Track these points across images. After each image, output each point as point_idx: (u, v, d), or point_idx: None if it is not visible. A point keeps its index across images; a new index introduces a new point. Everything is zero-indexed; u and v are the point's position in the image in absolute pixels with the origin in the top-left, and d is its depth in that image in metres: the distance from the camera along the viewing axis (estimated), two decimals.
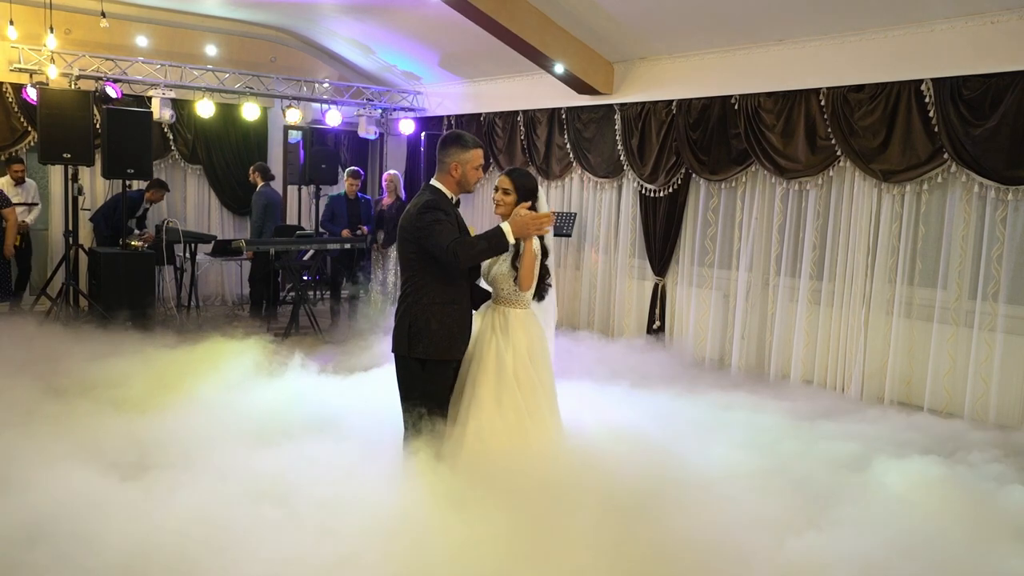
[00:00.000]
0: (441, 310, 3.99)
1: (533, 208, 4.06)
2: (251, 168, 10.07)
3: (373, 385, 5.90)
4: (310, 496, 3.89)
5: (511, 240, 3.86)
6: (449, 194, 4.09)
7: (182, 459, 4.42)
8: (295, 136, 10.44)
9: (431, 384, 4.04)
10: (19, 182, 9.27)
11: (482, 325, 4.21)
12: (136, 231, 9.43)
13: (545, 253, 4.20)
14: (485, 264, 4.19)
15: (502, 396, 4.01)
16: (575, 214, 9.33)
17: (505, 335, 4.09)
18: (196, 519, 3.66)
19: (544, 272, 4.21)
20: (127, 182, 9.03)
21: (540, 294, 4.26)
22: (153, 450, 4.59)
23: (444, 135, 4.22)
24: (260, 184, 9.86)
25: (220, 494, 3.92)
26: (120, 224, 9.13)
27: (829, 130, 6.92)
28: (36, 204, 9.40)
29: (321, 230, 9.82)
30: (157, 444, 4.68)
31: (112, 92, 9.09)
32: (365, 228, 9.44)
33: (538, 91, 9.45)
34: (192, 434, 4.85)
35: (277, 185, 11.27)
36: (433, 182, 4.12)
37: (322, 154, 10.25)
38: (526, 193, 4.12)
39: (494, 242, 3.84)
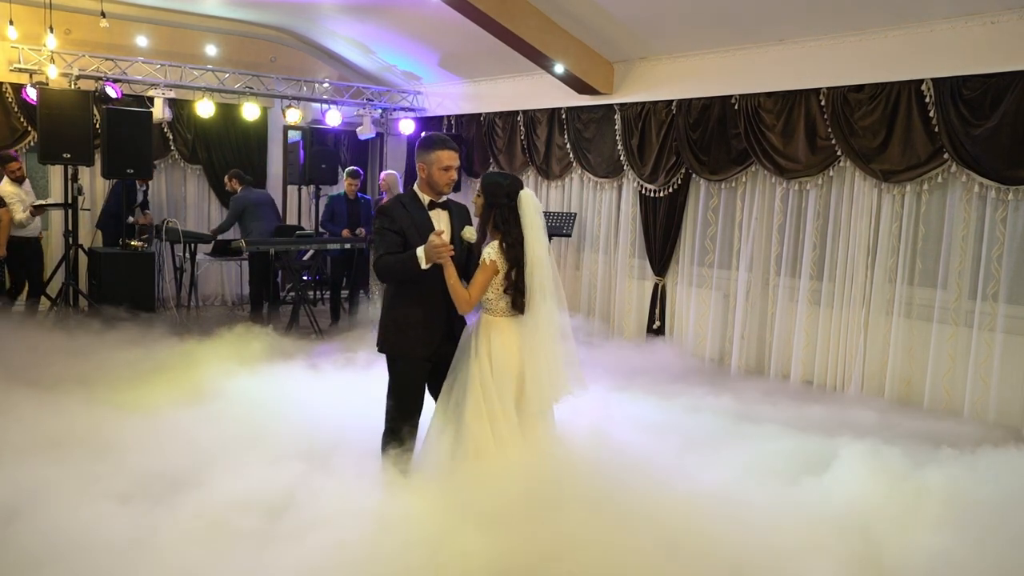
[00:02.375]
0: (400, 308, 4.08)
1: (509, 211, 3.99)
2: (226, 176, 9.82)
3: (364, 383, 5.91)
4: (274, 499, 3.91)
5: (423, 264, 3.86)
6: (424, 196, 4.10)
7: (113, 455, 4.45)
8: (295, 136, 10.44)
9: (393, 379, 4.13)
10: (20, 181, 8.77)
11: (468, 331, 4.19)
12: (139, 212, 9.39)
13: (513, 265, 3.99)
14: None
15: (465, 403, 3.98)
16: (575, 214, 9.33)
17: (476, 341, 4.05)
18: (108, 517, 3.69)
19: (517, 287, 4.00)
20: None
21: (518, 303, 4.05)
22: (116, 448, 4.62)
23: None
24: (239, 189, 9.60)
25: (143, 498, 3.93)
26: (124, 214, 9.16)
27: (829, 130, 6.92)
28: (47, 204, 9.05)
29: (321, 230, 9.82)
30: (123, 442, 4.71)
31: (112, 92, 9.09)
32: (363, 230, 9.39)
33: (538, 91, 9.45)
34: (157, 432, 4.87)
35: (277, 185, 11.30)
36: (415, 185, 4.18)
37: (322, 154, 10.25)
38: (490, 195, 4.00)
39: (408, 265, 3.89)
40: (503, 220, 3.98)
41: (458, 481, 3.82)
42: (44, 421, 4.97)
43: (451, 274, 3.92)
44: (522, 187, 4.06)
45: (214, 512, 3.75)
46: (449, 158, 4.04)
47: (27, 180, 8.93)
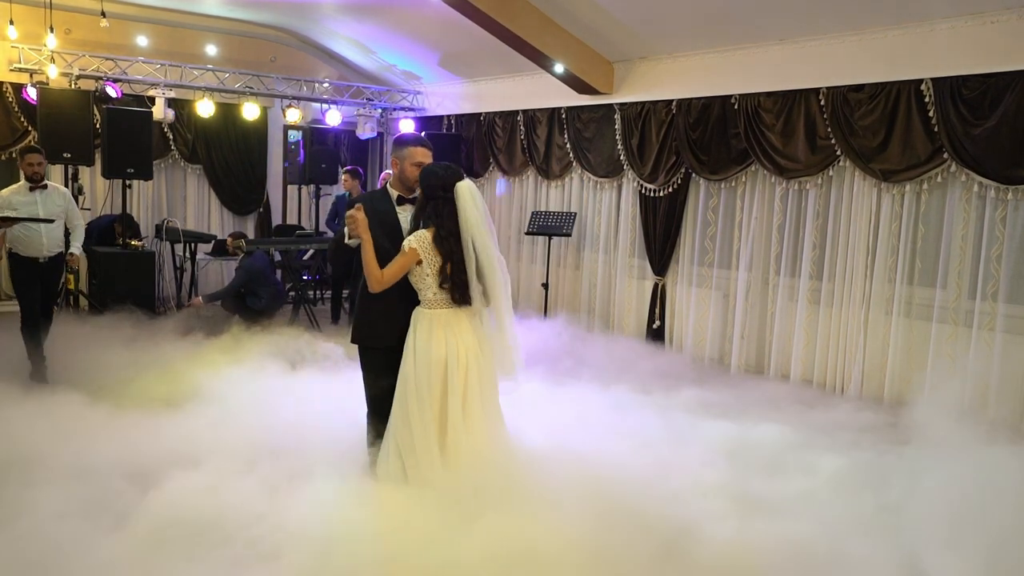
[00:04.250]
0: (363, 300, 4.16)
1: (444, 203, 3.94)
2: (230, 237, 8.97)
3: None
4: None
5: (346, 240, 4.00)
6: (393, 192, 4.19)
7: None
8: (295, 136, 10.44)
9: (364, 368, 4.24)
10: (36, 183, 6.50)
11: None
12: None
13: (448, 259, 3.94)
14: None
15: (395, 403, 4.06)
16: (575, 214, 9.33)
17: (407, 338, 4.07)
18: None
19: (453, 280, 3.96)
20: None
21: (456, 296, 4.01)
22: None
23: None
24: (244, 245, 8.78)
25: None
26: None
27: (829, 130, 6.92)
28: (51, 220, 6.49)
29: (323, 229, 9.82)
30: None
31: (112, 92, 9.09)
32: None
33: (538, 91, 9.45)
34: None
35: (277, 185, 11.30)
36: (388, 181, 4.29)
37: (322, 154, 10.26)
38: (427, 187, 3.96)
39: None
40: (436, 213, 3.95)
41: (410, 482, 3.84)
42: (25, 422, 4.92)
43: (367, 250, 3.94)
44: (461, 179, 4.00)
45: (182, 522, 3.61)
46: (422, 155, 4.10)
47: (48, 187, 6.59)
